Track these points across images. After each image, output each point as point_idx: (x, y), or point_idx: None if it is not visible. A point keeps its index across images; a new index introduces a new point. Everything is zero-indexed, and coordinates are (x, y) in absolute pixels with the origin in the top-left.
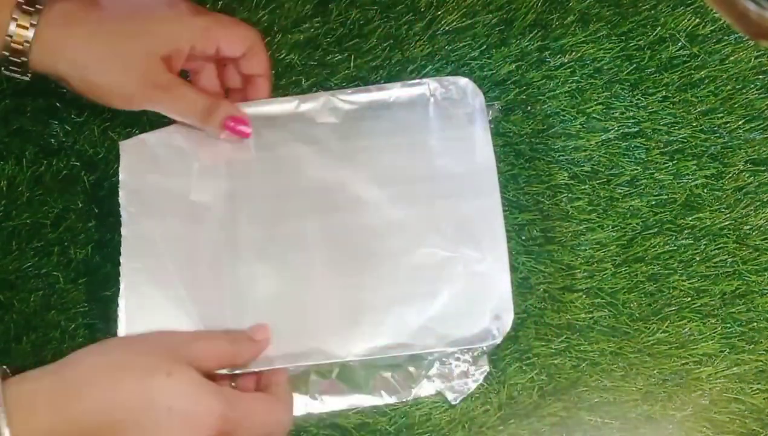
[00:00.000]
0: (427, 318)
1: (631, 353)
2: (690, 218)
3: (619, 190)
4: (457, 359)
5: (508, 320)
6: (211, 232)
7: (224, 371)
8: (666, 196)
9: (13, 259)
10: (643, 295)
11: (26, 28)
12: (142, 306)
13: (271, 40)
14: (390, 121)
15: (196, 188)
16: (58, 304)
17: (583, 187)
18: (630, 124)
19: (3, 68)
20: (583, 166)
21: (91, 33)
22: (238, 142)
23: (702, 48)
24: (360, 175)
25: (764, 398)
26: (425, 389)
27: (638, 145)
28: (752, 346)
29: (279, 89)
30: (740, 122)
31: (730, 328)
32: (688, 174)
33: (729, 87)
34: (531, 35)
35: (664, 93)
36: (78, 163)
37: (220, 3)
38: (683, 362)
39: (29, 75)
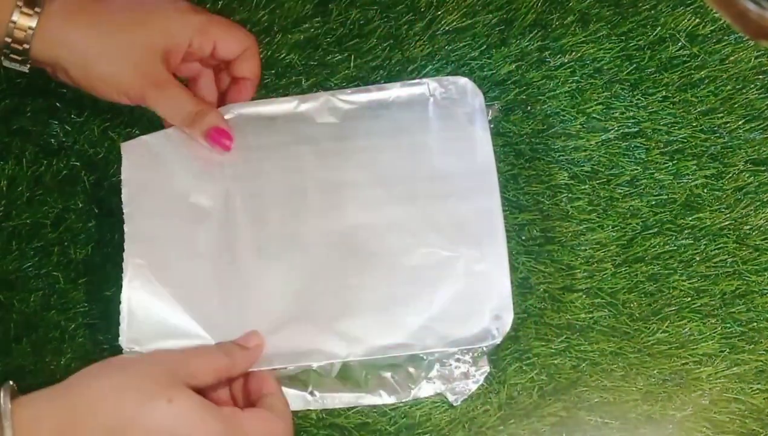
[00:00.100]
0: (427, 318)
1: (631, 353)
2: (690, 218)
3: (619, 190)
4: (458, 360)
5: (508, 320)
6: (211, 232)
7: None
8: (666, 196)
9: (13, 259)
10: (643, 295)
11: (30, 15)
12: (144, 303)
13: (271, 40)
14: (390, 121)
15: (197, 188)
16: (58, 304)
17: (583, 187)
18: (630, 124)
19: (3, 57)
20: (583, 166)
21: (93, 22)
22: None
23: (702, 48)
24: (360, 175)
25: (764, 398)
26: (425, 390)
27: (638, 145)
28: (752, 346)
29: (279, 89)
30: (740, 122)
31: (730, 328)
32: (688, 174)
33: (729, 87)
34: (531, 35)
35: (664, 93)
36: (78, 163)
37: (219, 3)
38: (683, 362)
39: (28, 66)
